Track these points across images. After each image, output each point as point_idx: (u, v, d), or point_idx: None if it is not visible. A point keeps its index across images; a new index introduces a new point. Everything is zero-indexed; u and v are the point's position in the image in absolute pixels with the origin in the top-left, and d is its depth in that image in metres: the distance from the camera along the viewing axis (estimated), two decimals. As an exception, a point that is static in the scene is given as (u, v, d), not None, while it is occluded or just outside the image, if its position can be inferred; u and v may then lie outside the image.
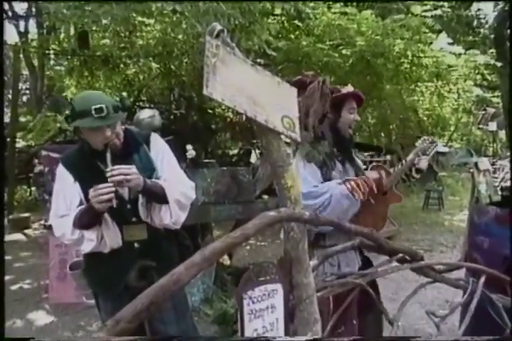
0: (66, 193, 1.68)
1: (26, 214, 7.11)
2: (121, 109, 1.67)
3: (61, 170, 1.72)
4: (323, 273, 1.63)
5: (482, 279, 1.45)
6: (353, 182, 1.75)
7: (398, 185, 2.04)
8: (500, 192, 2.82)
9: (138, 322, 0.72)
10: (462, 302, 1.46)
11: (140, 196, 1.67)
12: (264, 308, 0.95)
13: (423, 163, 1.98)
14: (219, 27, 1.00)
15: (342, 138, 1.92)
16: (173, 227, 1.74)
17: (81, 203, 1.66)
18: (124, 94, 8.11)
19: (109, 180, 1.52)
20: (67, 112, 1.66)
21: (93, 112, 1.56)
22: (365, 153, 9.24)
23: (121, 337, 0.71)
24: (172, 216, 1.68)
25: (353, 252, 1.84)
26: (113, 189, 1.51)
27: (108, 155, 1.59)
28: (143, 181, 1.59)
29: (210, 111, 9.04)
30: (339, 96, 1.87)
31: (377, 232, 1.88)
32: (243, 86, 0.98)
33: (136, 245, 1.71)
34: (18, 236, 6.30)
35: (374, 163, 2.09)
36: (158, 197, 1.65)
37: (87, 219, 1.60)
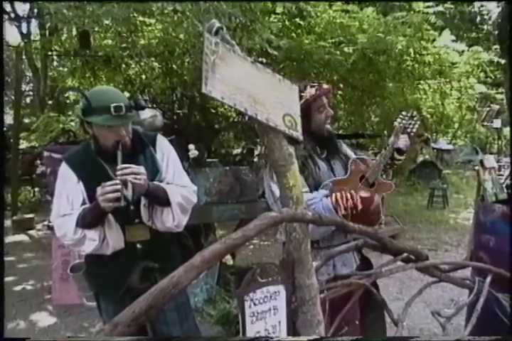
0: (69, 192, 1.66)
1: (30, 215, 7.10)
2: (135, 108, 1.66)
3: (64, 170, 1.70)
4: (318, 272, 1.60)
5: (488, 278, 1.43)
6: (337, 196, 1.64)
7: (390, 171, 1.92)
8: (506, 190, 2.79)
9: (137, 327, 0.70)
10: (468, 302, 1.44)
11: (142, 197, 1.66)
12: (266, 310, 0.94)
13: (402, 142, 1.85)
14: (218, 24, 0.98)
15: (320, 138, 1.85)
16: (175, 230, 1.73)
17: (84, 203, 1.64)
18: (126, 94, 8.09)
19: (118, 178, 1.51)
20: (81, 106, 1.63)
21: (112, 110, 1.55)
22: (369, 152, 9.19)
23: (121, 337, 0.69)
24: (174, 219, 1.66)
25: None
26: (119, 187, 1.49)
27: (119, 153, 1.59)
28: (147, 184, 1.57)
29: (213, 110, 9.01)
30: (304, 102, 1.71)
31: (375, 227, 1.81)
32: (243, 84, 0.96)
33: (138, 246, 1.70)
34: (21, 237, 6.31)
35: (355, 156, 1.90)
36: (160, 199, 1.64)
37: (92, 218, 1.59)
